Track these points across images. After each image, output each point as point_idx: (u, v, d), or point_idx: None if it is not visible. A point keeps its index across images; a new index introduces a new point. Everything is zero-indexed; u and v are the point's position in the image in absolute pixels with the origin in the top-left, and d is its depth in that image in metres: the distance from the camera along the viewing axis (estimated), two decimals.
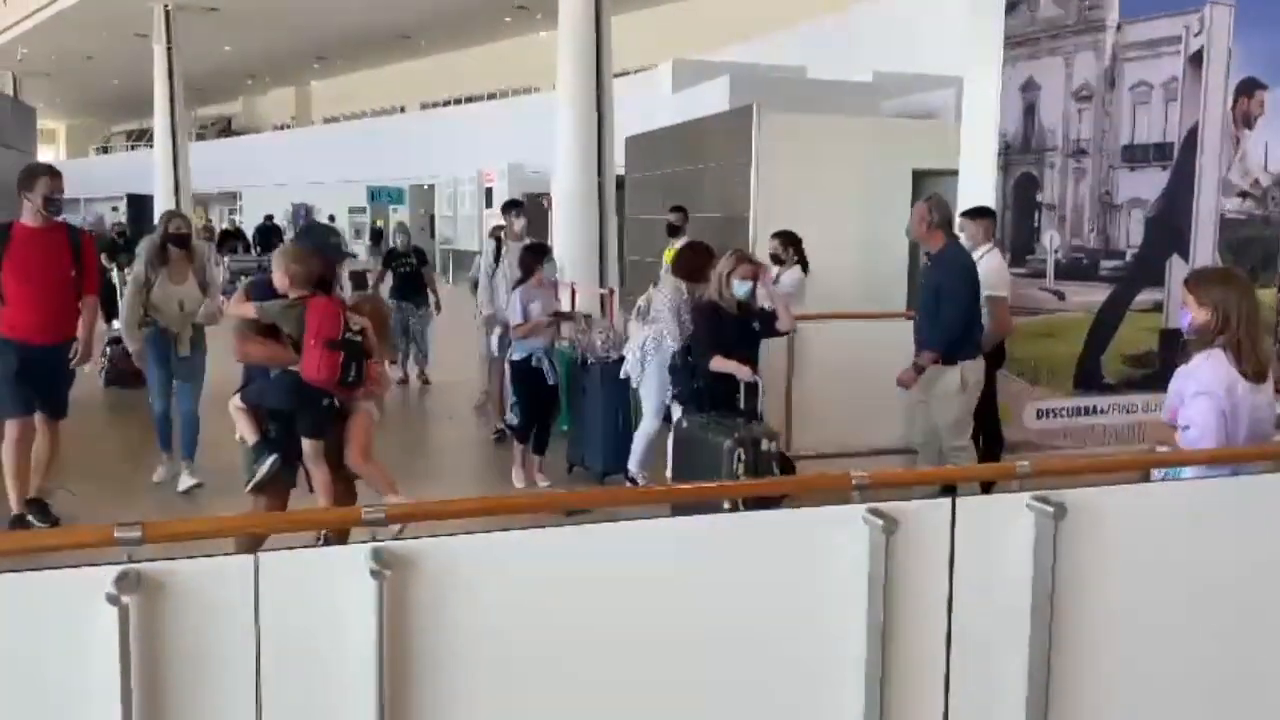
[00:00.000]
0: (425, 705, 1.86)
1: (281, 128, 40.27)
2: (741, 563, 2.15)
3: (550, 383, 6.20)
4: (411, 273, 9.54)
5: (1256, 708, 2.45)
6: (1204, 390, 3.04)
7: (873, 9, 16.36)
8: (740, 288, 4.95)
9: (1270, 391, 3.15)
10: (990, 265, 5.51)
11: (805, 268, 6.83)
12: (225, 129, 44.00)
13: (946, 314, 5.13)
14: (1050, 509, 2.17)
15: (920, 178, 8.16)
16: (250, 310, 4.01)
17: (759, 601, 2.15)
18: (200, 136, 37.62)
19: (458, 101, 32.23)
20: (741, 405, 4.82)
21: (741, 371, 4.81)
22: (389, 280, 9.52)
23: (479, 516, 1.93)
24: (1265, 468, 2.78)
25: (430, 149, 26.82)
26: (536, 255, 6.46)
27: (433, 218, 27.50)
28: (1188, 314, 3.21)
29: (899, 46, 13.63)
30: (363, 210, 29.05)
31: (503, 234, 7.62)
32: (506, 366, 6.40)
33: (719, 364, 4.83)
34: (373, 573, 1.73)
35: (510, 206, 7.78)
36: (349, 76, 37.15)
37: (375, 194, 28.74)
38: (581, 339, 6.59)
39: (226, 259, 17.28)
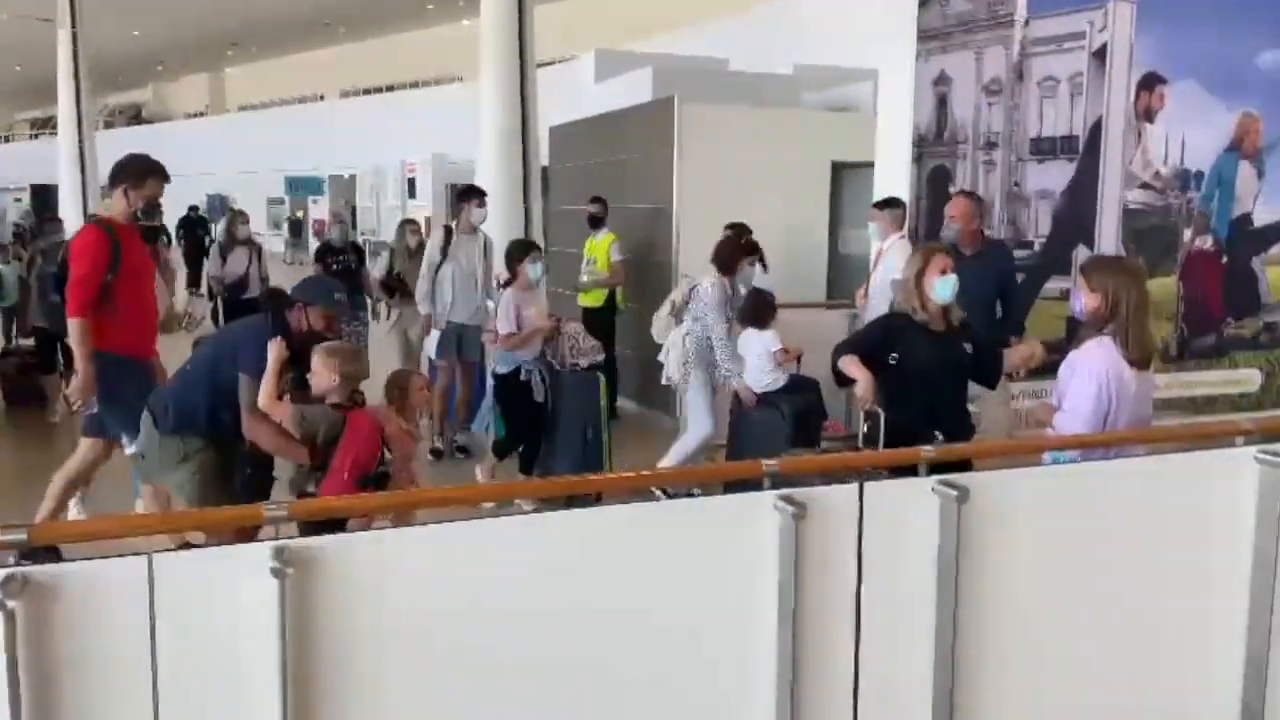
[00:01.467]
0: (330, 705, 1.83)
1: (195, 116, 39.11)
2: (656, 551, 2.16)
3: (539, 399, 5.62)
4: (347, 272, 8.27)
5: (1146, 678, 2.55)
6: (1088, 375, 3.15)
7: (794, 2, 16.54)
8: (942, 287, 3.59)
9: (1152, 379, 3.28)
10: (895, 253, 5.68)
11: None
12: (135, 117, 42.56)
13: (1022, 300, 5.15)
14: (954, 492, 2.23)
15: (839, 169, 8.29)
16: (286, 415, 3.55)
17: (673, 589, 2.17)
18: (108, 125, 36.33)
19: (379, 90, 31.67)
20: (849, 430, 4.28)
21: (863, 385, 3.52)
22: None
23: (389, 512, 1.90)
24: (1147, 450, 2.89)
25: (351, 139, 26.33)
26: (522, 253, 5.80)
27: (354, 209, 27.00)
28: (1080, 298, 3.31)
29: (819, 39, 13.80)
30: (281, 201, 28.38)
31: (455, 225, 7.06)
32: (490, 380, 5.78)
33: (847, 364, 3.64)
34: (274, 571, 1.69)
35: (470, 194, 7.12)
36: (266, 63, 36.28)
37: (294, 184, 28.10)
38: (549, 346, 5.89)
39: None
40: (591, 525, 2.11)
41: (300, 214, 27.21)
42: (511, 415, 5.73)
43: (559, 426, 5.79)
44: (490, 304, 6.77)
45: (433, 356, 7.02)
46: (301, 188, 28.16)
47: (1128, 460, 2.77)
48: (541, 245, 13.75)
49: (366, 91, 32.24)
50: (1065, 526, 2.43)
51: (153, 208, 4.67)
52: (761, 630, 2.17)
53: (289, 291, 4.08)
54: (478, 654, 1.99)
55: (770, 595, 2.15)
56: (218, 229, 17.36)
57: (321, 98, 34.65)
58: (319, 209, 28.22)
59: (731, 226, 7.03)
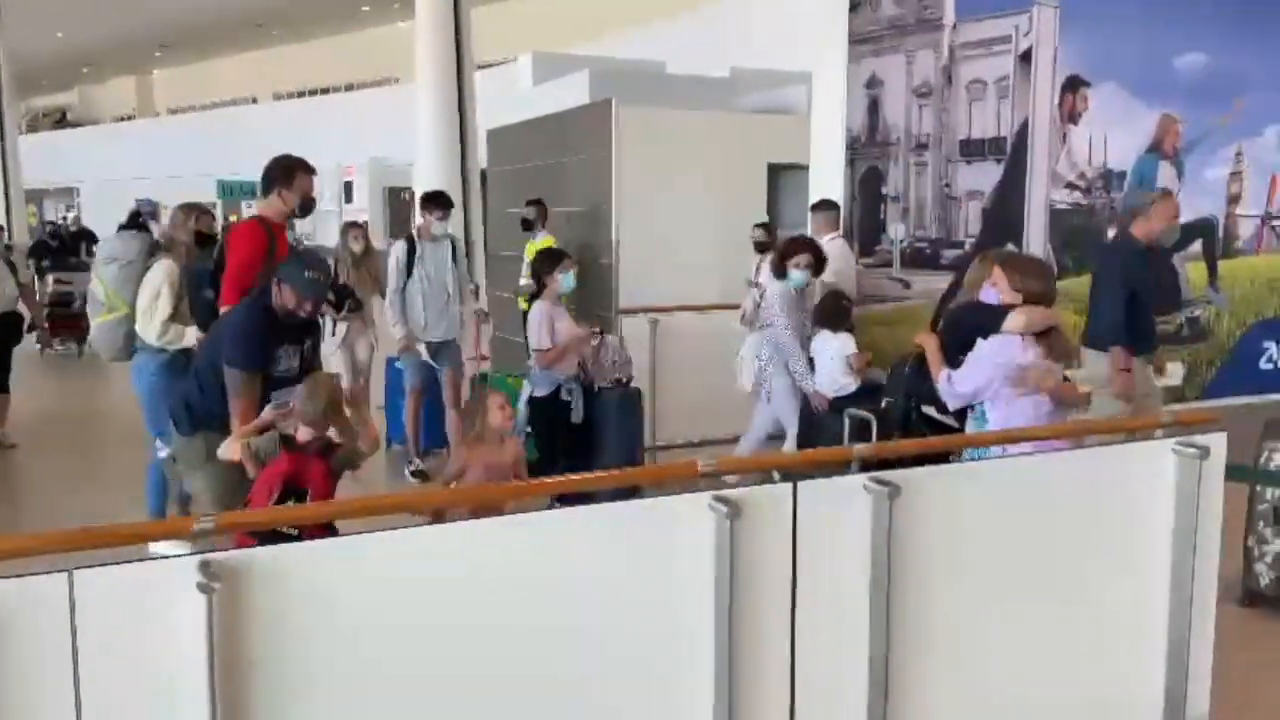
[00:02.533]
0: None
1: (123, 119, 38.16)
2: (590, 555, 2.16)
3: (577, 420, 5.21)
4: None
5: (1074, 666, 2.62)
6: (991, 365, 3.25)
7: (730, 6, 16.67)
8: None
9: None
10: (830, 252, 5.80)
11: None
12: (60, 120, 41.38)
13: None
14: (885, 489, 2.26)
15: (776, 171, 8.36)
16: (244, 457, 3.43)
17: (607, 591, 2.17)
18: (32, 128, 35.26)
19: (313, 93, 31.20)
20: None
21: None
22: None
23: (319, 520, 1.87)
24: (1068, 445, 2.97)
25: (285, 141, 25.77)
26: (553, 264, 5.32)
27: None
28: (996, 294, 3.38)
29: (755, 43, 13.94)
30: (213, 205, 27.81)
31: (417, 233, 6.60)
32: (523, 405, 5.22)
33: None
34: (200, 586, 1.65)
35: (433, 201, 6.62)
36: (196, 66, 35.53)
37: (226, 188, 27.55)
38: (590, 360, 5.43)
39: (50, 277, 12.60)
40: (525, 530, 2.11)
41: (234, 218, 26.69)
42: (548, 439, 5.26)
43: (602, 448, 5.35)
44: (458, 310, 6.52)
45: (414, 381, 6.50)
46: (234, 192, 27.61)
47: (1053, 454, 2.84)
48: (481, 248, 13.71)
49: (300, 94, 31.75)
50: (994, 520, 2.48)
51: (309, 204, 4.61)
52: (698, 631, 2.18)
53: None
54: (415, 666, 1.97)
55: (706, 596, 2.16)
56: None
57: (254, 100, 34.05)
58: (252, 213, 27.66)
59: (760, 226, 7.10)
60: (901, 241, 6.42)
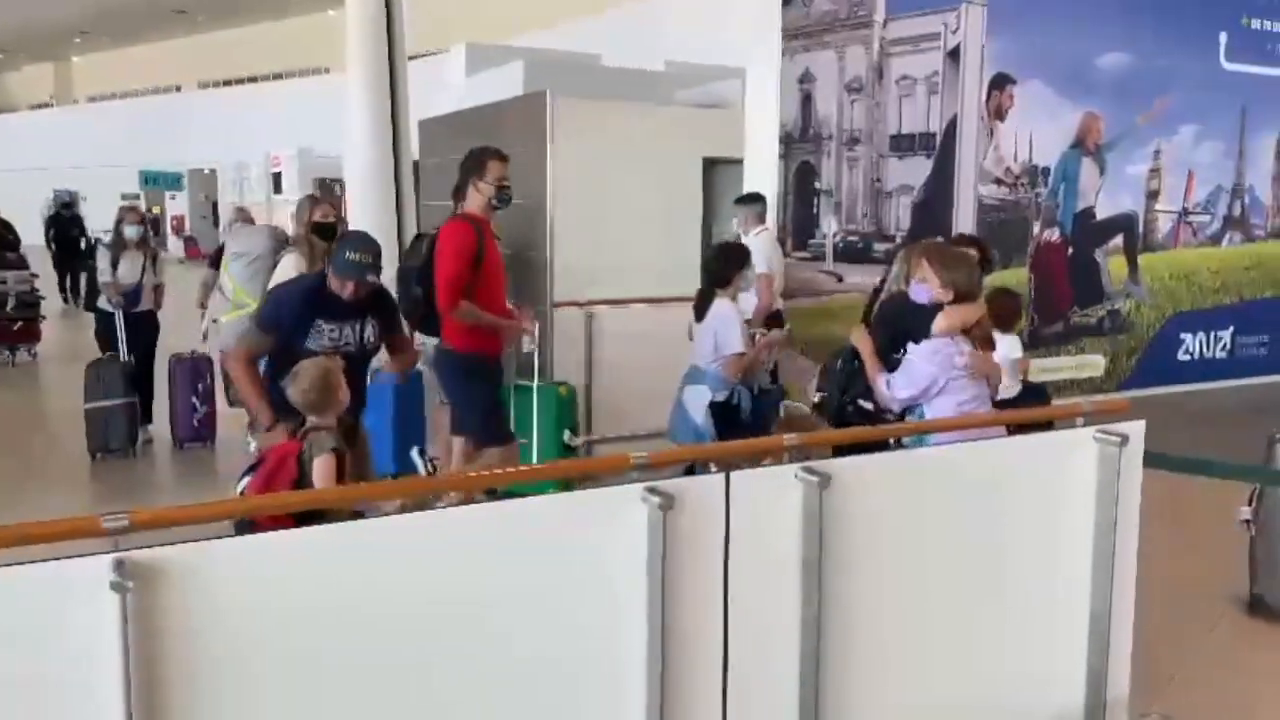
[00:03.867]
0: None
1: (40, 107, 36.88)
2: (524, 547, 2.14)
3: (747, 420, 4.78)
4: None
5: (1002, 647, 2.68)
6: (933, 364, 3.32)
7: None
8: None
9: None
10: (757, 245, 5.82)
11: None
12: None
13: None
14: (816, 478, 2.28)
15: (711, 165, 8.39)
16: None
17: (542, 584, 2.15)
18: None
19: (240, 81, 30.48)
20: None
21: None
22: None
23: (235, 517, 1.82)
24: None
25: (212, 131, 25.30)
26: (740, 260, 4.73)
27: (215, 204, 25.97)
28: (927, 291, 3.42)
29: (691, 37, 13.95)
30: (136, 197, 27.06)
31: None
32: (702, 411, 4.64)
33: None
34: (113, 585, 1.60)
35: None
36: (117, 52, 34.45)
37: (149, 179, 26.81)
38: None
39: None
40: (456, 524, 2.08)
41: (157, 210, 25.99)
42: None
43: None
44: None
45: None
46: (158, 182, 26.89)
47: (980, 443, 2.90)
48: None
49: (227, 83, 31.00)
50: (923, 507, 2.52)
51: (504, 191, 4.57)
52: (631, 621, 2.17)
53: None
54: (342, 662, 1.93)
55: (639, 586, 2.16)
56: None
57: (178, 89, 33.17)
58: (177, 205, 27.01)
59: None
60: (834, 235, 6.49)
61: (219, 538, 1.78)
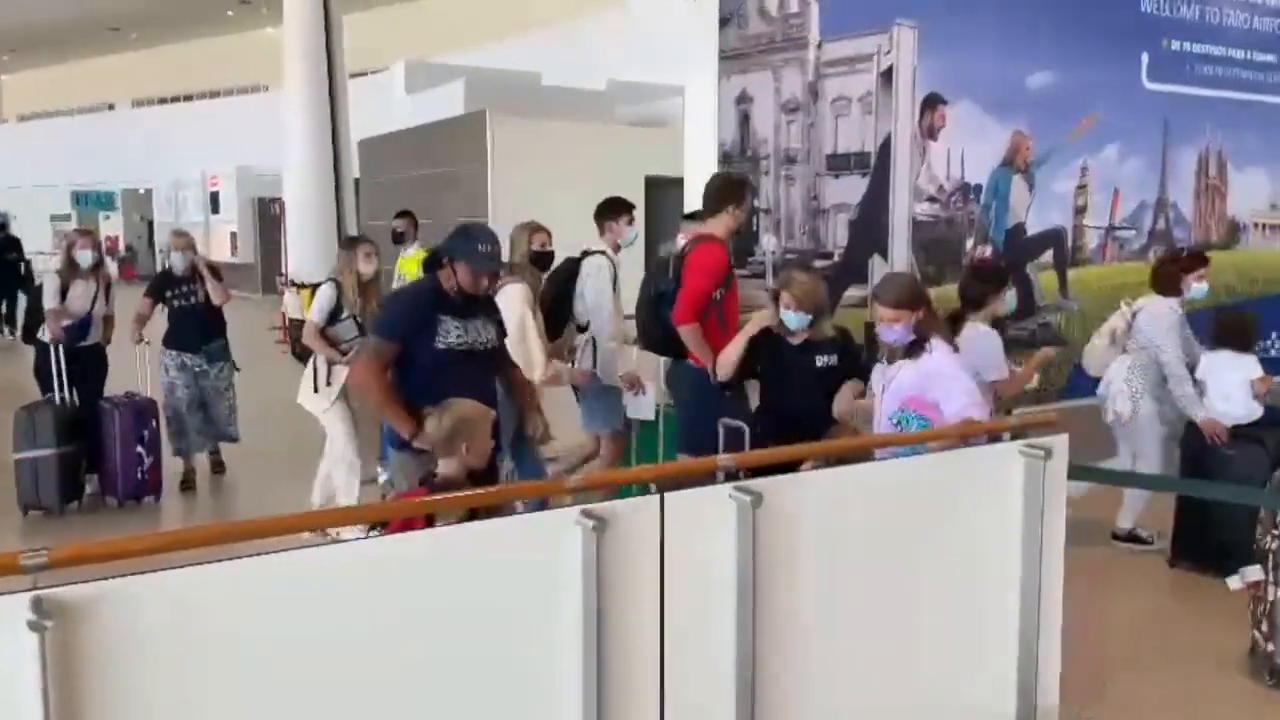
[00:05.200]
0: None
1: None
2: (458, 575, 2.14)
3: None
4: (197, 309, 6.40)
5: (934, 661, 2.73)
6: (958, 370, 3.40)
7: (606, 19, 16.78)
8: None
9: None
10: None
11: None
12: None
13: None
14: (749, 498, 2.32)
15: (653, 183, 8.46)
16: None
17: (476, 611, 2.15)
18: None
19: (176, 99, 29.98)
20: None
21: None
22: (161, 318, 6.44)
23: (164, 552, 1.79)
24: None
25: (147, 150, 24.83)
26: (997, 282, 4.55)
27: (151, 224, 25.48)
28: (899, 331, 3.47)
29: (632, 56, 14.05)
30: (67, 217, 26.46)
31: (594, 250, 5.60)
32: None
33: None
34: (31, 625, 1.56)
35: (619, 208, 5.77)
36: (48, 70, 33.67)
37: (82, 199, 26.22)
38: None
39: None
40: (387, 552, 2.07)
41: (81, 229, 25.38)
42: None
43: None
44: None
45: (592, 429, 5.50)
46: (91, 202, 26.33)
47: (910, 458, 2.96)
48: None
49: (163, 100, 30.47)
50: (855, 523, 2.57)
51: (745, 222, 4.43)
52: (567, 644, 2.18)
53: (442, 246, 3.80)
54: (270, 694, 1.91)
55: (575, 611, 2.17)
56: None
57: (111, 107, 32.52)
58: (111, 225, 26.45)
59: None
60: (773, 252, 6.57)
61: (143, 572, 1.75)
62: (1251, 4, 8.69)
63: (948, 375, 3.36)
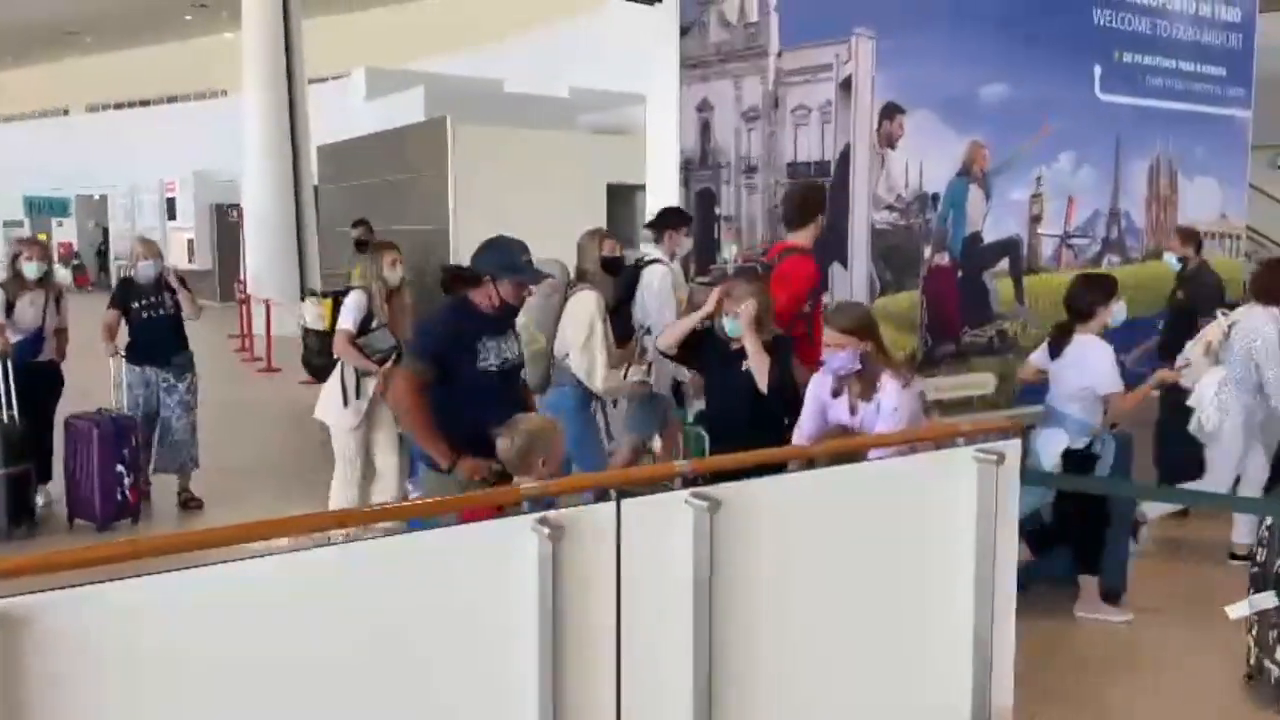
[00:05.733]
0: None
1: None
2: (414, 584, 2.12)
3: (1103, 474, 4.28)
4: (164, 321, 6.04)
5: (890, 665, 2.75)
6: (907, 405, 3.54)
7: (568, 26, 16.79)
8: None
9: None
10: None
11: None
12: None
13: None
14: (705, 504, 2.32)
15: (614, 191, 8.48)
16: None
17: (433, 619, 2.14)
18: None
19: (132, 104, 29.56)
20: None
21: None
22: (122, 333, 6.12)
23: (107, 564, 1.76)
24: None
25: (102, 156, 24.43)
26: (1106, 291, 4.52)
27: (106, 231, 25.07)
28: (844, 358, 3.54)
29: (594, 63, 14.08)
30: (20, 223, 25.96)
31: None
32: (1053, 458, 4.20)
33: None
34: None
35: (677, 219, 5.68)
36: (1, 74, 33.05)
37: (35, 205, 25.76)
38: None
39: None
40: (342, 561, 2.05)
41: (44, 238, 24.95)
42: (1071, 504, 4.31)
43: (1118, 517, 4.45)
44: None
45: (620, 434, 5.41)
46: (44, 209, 25.87)
47: (865, 464, 2.98)
48: (316, 268, 13.22)
49: (119, 105, 30.03)
50: (811, 529, 2.58)
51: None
52: (523, 654, 2.17)
53: (471, 264, 3.70)
54: (221, 706, 1.88)
55: (531, 618, 2.16)
56: None
57: (66, 112, 31.98)
58: (65, 231, 26.02)
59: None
60: (734, 260, 6.60)
61: (89, 583, 1.72)
62: (1200, 18, 8.90)
63: (899, 408, 3.53)
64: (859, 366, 3.54)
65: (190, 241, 21.65)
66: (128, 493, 5.68)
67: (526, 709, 2.17)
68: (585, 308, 4.59)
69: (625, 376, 4.96)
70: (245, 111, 14.97)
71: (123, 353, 6.02)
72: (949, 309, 7.35)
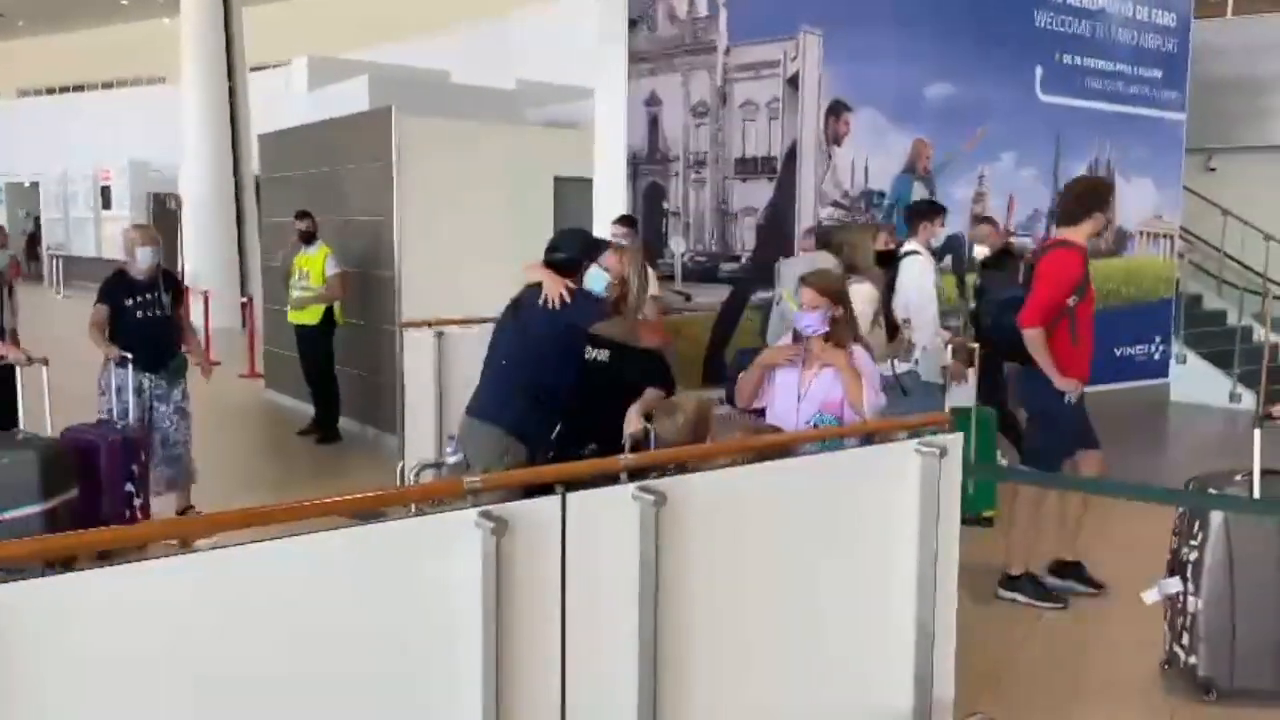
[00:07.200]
0: None
1: None
2: (355, 578, 2.08)
3: None
4: (161, 321, 5.26)
5: (834, 654, 2.76)
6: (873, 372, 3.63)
7: (516, 18, 16.66)
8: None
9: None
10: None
11: None
12: None
13: None
14: (651, 497, 2.31)
15: (561, 184, 8.41)
16: None
17: (374, 615, 2.10)
18: None
19: (65, 90, 28.73)
20: None
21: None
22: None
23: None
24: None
25: (34, 142, 23.71)
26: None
27: (38, 220, 24.36)
28: (815, 319, 3.55)
29: (542, 56, 13.98)
30: None
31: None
32: None
33: None
34: None
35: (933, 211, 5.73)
36: None
37: None
38: None
39: None
40: (280, 555, 2.00)
41: None
42: None
43: None
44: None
45: None
46: None
47: (810, 457, 3.00)
48: (256, 259, 12.93)
49: (51, 91, 29.16)
50: (757, 521, 2.58)
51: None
52: (468, 647, 2.14)
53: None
54: (156, 710, 1.83)
55: (474, 612, 2.13)
56: None
57: None
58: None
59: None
60: (683, 255, 6.61)
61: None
62: (1139, 22, 9.10)
63: (866, 374, 3.58)
64: (826, 329, 3.56)
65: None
66: (137, 514, 4.81)
67: (469, 702, 2.14)
68: (859, 300, 4.44)
69: (893, 369, 4.98)
70: (184, 99, 14.63)
71: (129, 355, 5.10)
72: None
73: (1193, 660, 3.50)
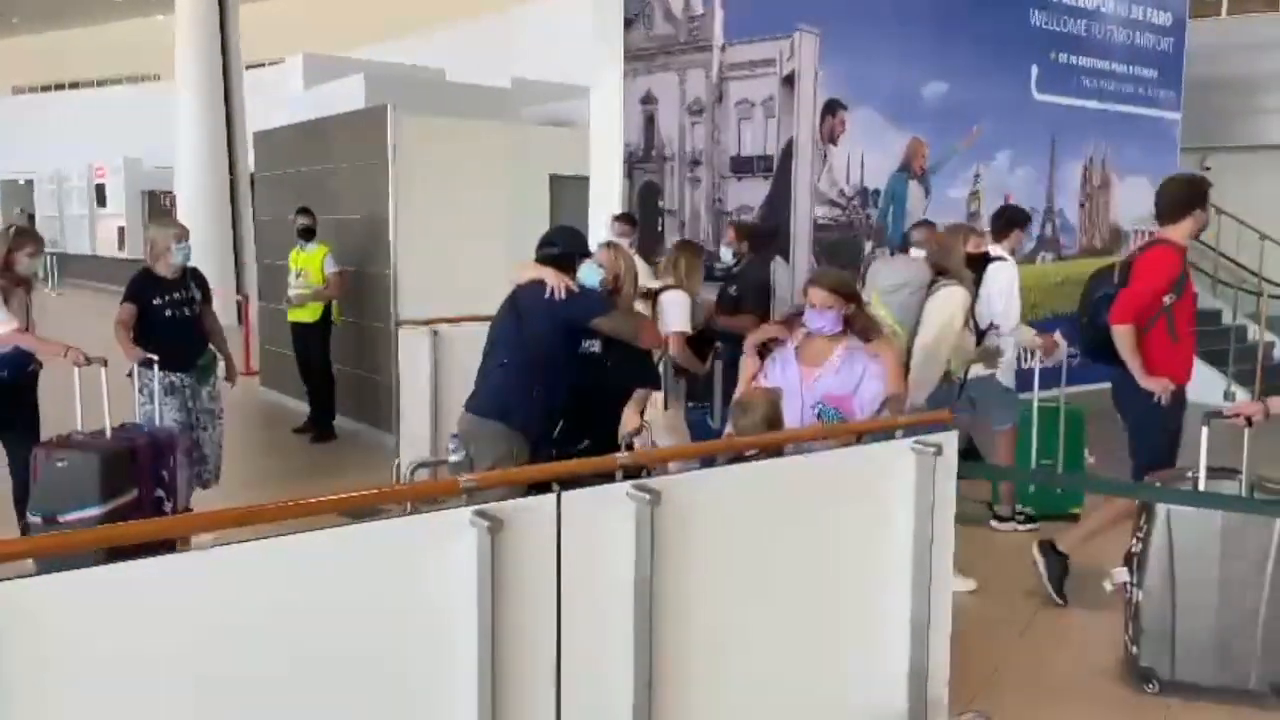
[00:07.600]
0: None
1: None
2: (350, 577, 2.08)
3: None
4: (189, 321, 5.11)
5: (830, 651, 2.77)
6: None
7: (512, 17, 16.66)
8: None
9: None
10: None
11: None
12: None
13: None
14: (647, 496, 2.31)
15: (557, 183, 8.41)
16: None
17: (370, 614, 2.09)
18: None
19: (60, 87, 28.67)
20: None
21: None
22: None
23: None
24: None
25: (28, 140, 23.68)
26: None
27: (33, 217, 24.30)
28: (829, 319, 3.52)
29: (538, 54, 13.97)
30: None
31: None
32: None
33: None
34: None
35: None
36: None
37: None
38: None
39: None
40: (275, 554, 2.00)
41: None
42: None
43: None
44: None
45: None
46: None
47: (807, 455, 3.00)
48: (251, 256, 12.91)
49: (46, 88, 29.10)
50: (752, 520, 2.58)
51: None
52: (464, 646, 2.14)
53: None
54: (154, 708, 1.83)
55: (470, 611, 2.13)
56: None
57: None
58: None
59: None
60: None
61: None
62: (1134, 21, 9.12)
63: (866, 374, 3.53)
64: (839, 329, 3.54)
65: (121, 229, 21.10)
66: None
67: (464, 701, 2.14)
68: (949, 304, 4.42)
69: (964, 378, 4.90)
70: (179, 96, 14.60)
71: (155, 357, 4.87)
72: None
73: (1134, 650, 3.55)
